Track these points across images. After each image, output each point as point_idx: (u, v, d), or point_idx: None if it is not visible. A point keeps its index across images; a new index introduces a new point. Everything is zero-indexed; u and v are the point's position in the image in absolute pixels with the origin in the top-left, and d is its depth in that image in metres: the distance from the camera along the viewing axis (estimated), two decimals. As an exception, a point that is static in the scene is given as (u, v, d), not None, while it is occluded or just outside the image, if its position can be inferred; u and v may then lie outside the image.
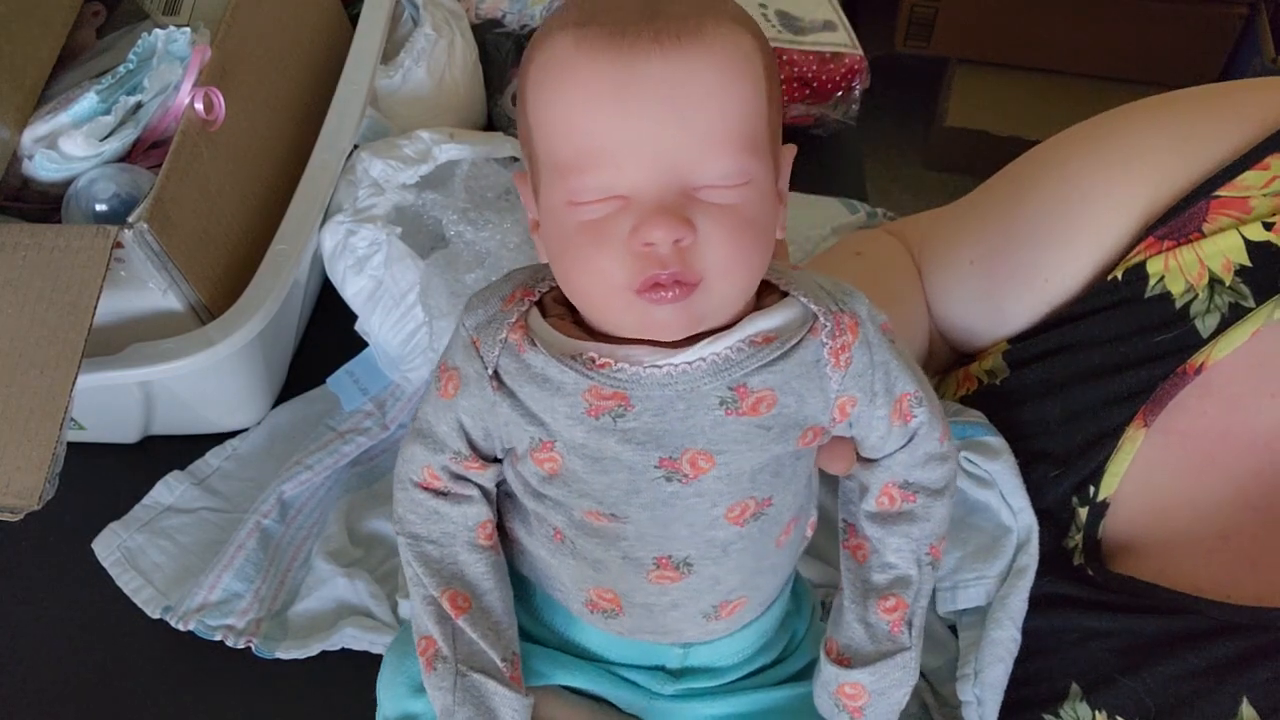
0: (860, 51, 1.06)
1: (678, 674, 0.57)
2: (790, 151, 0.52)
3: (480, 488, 0.55)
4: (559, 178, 0.47)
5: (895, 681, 0.55)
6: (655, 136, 0.45)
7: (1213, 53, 2.05)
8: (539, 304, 0.52)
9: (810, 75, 1.05)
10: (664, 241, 0.45)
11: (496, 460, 0.55)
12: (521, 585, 0.58)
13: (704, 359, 0.48)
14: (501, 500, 0.57)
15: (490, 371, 0.50)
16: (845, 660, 0.55)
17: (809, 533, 0.58)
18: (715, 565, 0.52)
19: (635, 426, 0.49)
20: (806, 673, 0.59)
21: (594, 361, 0.48)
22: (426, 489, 0.55)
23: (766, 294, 0.52)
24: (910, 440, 0.54)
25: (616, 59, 0.44)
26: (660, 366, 0.48)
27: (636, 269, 0.45)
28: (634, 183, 0.45)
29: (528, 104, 0.49)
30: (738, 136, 0.46)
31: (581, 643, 0.58)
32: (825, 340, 0.49)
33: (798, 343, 0.49)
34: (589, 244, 0.46)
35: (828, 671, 0.55)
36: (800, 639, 0.61)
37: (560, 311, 0.52)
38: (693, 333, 0.48)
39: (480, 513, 0.55)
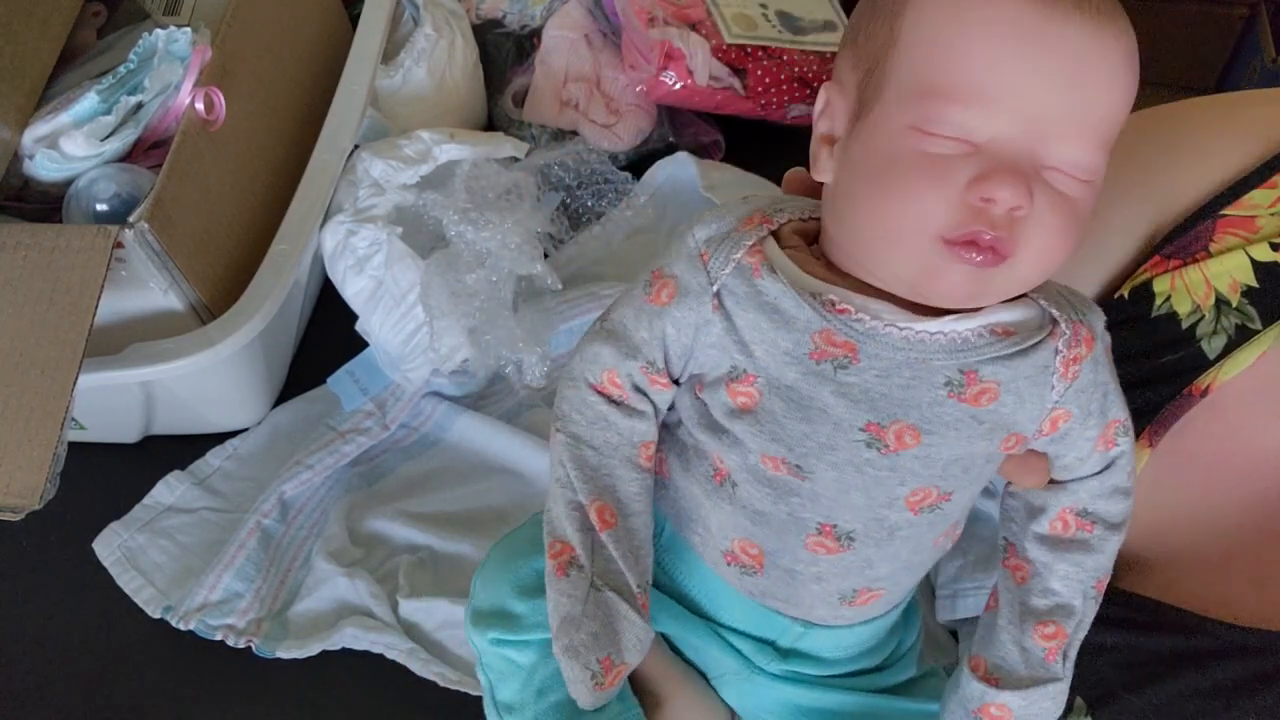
0: (861, 51, 1.06)
1: (785, 654, 0.56)
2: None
3: (654, 406, 0.52)
4: (917, 100, 0.44)
5: (1043, 711, 0.53)
6: (1043, 100, 0.43)
7: (1213, 53, 2.05)
8: (775, 235, 0.50)
9: (810, 75, 1.05)
10: (1005, 203, 0.43)
11: (677, 382, 0.52)
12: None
13: (945, 334, 0.46)
14: (659, 430, 0.55)
15: (715, 289, 0.48)
16: (994, 680, 0.53)
17: (949, 543, 0.57)
18: (876, 548, 0.50)
19: (855, 382, 0.47)
20: (905, 688, 0.58)
21: (833, 305, 0.47)
22: (601, 393, 0.52)
23: None
24: (1106, 468, 0.52)
25: (1037, 8, 0.43)
26: (900, 328, 0.46)
27: (963, 218, 0.43)
28: (997, 134, 0.43)
29: (903, 17, 0.45)
30: (1105, 132, 0.44)
31: (698, 598, 0.56)
32: (1061, 348, 0.48)
33: (1037, 343, 0.47)
34: (922, 176, 0.44)
35: (971, 688, 0.53)
36: (904, 651, 0.59)
37: (797, 244, 0.50)
38: (969, 305, 0.47)
39: (649, 431, 0.52)
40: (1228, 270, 0.58)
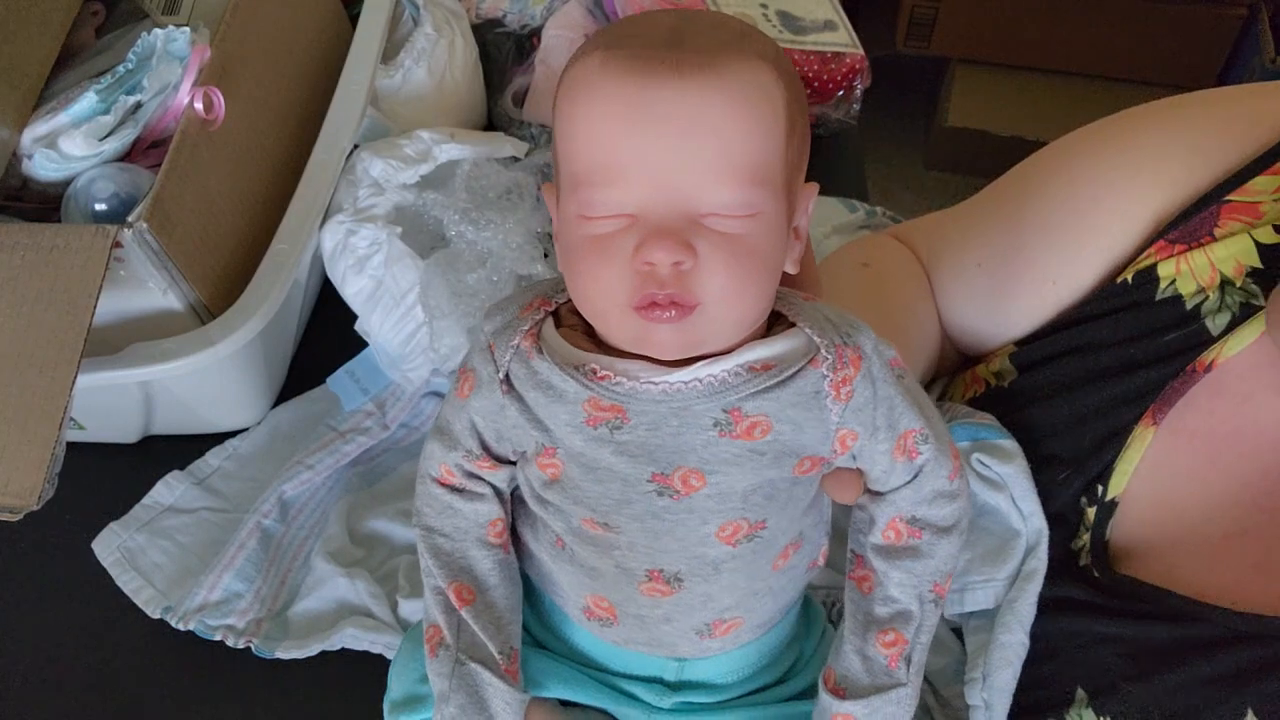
0: (861, 51, 1.06)
1: (675, 687, 0.58)
2: (812, 190, 0.53)
3: (493, 487, 0.57)
4: (573, 190, 0.48)
5: (888, 716, 0.55)
6: (663, 159, 0.46)
7: (1213, 53, 2.05)
8: (555, 314, 0.53)
9: (811, 75, 1.05)
10: (663, 263, 0.46)
11: (510, 462, 0.56)
12: (532, 589, 0.60)
13: (699, 380, 0.49)
14: (515, 505, 0.58)
15: (501, 375, 0.52)
16: (840, 691, 0.55)
17: (821, 561, 0.58)
18: (706, 583, 0.53)
19: (630, 439, 0.50)
20: (809, 692, 0.59)
21: (595, 373, 0.50)
22: (443, 484, 0.57)
23: (776, 324, 0.52)
24: (916, 476, 0.54)
25: (635, 81, 0.46)
26: (656, 383, 0.49)
27: (636, 286, 0.47)
28: (641, 202, 0.46)
29: (556, 117, 0.50)
30: (746, 168, 0.47)
31: (583, 648, 0.59)
32: (826, 372, 0.50)
33: (796, 372, 0.50)
34: (595, 257, 0.48)
35: (823, 700, 0.56)
36: (807, 659, 0.61)
37: (574, 322, 0.53)
38: (690, 355, 0.49)
39: (492, 511, 0.56)
40: (1232, 254, 0.59)
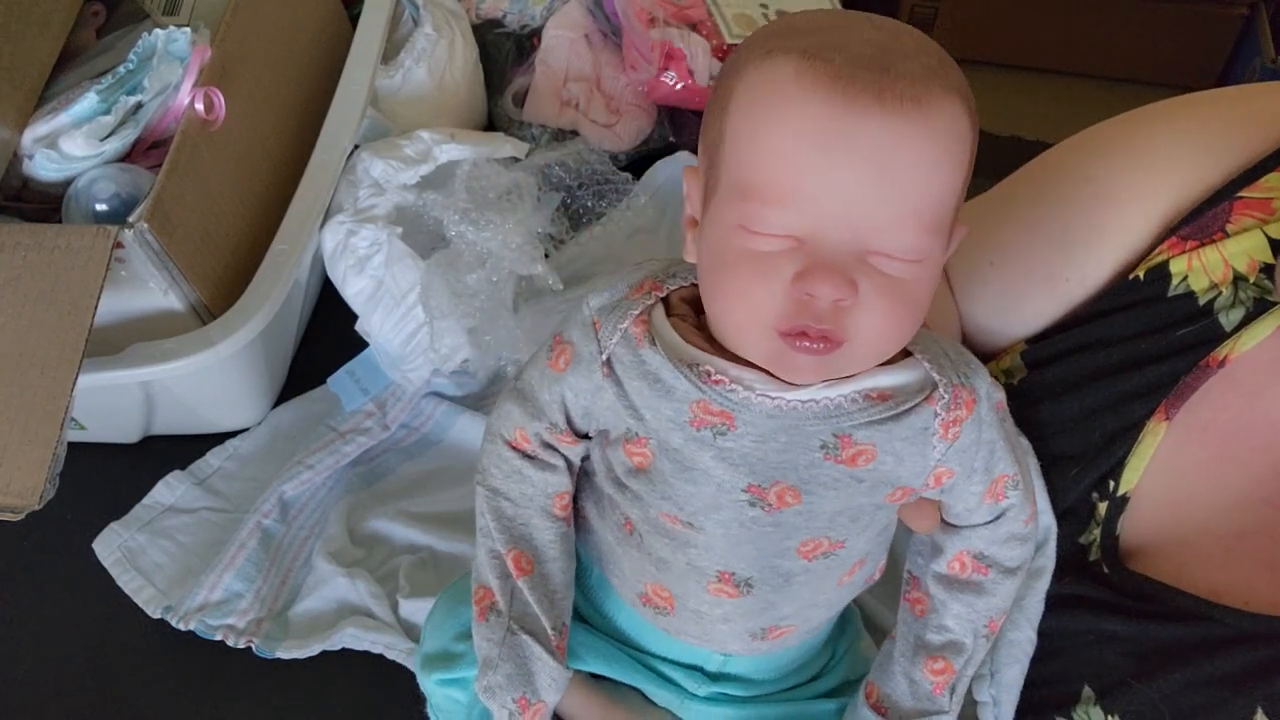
0: (861, 51, 1.05)
1: (714, 678, 0.58)
2: (962, 231, 0.50)
3: (566, 460, 0.56)
4: (739, 199, 0.46)
5: None
6: (850, 194, 0.44)
7: (1213, 53, 2.05)
8: (665, 300, 0.52)
9: (810, 75, 1.05)
10: (826, 297, 0.44)
11: (587, 437, 0.55)
12: (580, 563, 0.59)
13: (816, 401, 0.48)
14: (579, 478, 0.57)
15: (604, 357, 0.50)
16: (882, 710, 0.55)
17: (877, 575, 0.58)
18: (775, 592, 0.52)
19: (733, 448, 0.49)
20: (839, 690, 0.60)
21: (709, 375, 0.48)
22: (515, 448, 0.55)
23: None
24: (997, 518, 0.53)
25: (835, 106, 0.43)
26: (772, 398, 0.48)
27: (789, 313, 0.45)
28: (813, 229, 0.44)
29: (727, 114, 0.47)
30: (927, 215, 0.45)
31: (627, 631, 0.58)
32: (939, 411, 0.49)
33: (912, 407, 0.49)
34: (750, 273, 0.46)
35: (861, 714, 0.56)
36: (839, 658, 0.61)
37: (684, 311, 0.51)
38: (821, 380, 0.48)
39: (561, 483, 0.56)
40: (1245, 250, 0.59)
